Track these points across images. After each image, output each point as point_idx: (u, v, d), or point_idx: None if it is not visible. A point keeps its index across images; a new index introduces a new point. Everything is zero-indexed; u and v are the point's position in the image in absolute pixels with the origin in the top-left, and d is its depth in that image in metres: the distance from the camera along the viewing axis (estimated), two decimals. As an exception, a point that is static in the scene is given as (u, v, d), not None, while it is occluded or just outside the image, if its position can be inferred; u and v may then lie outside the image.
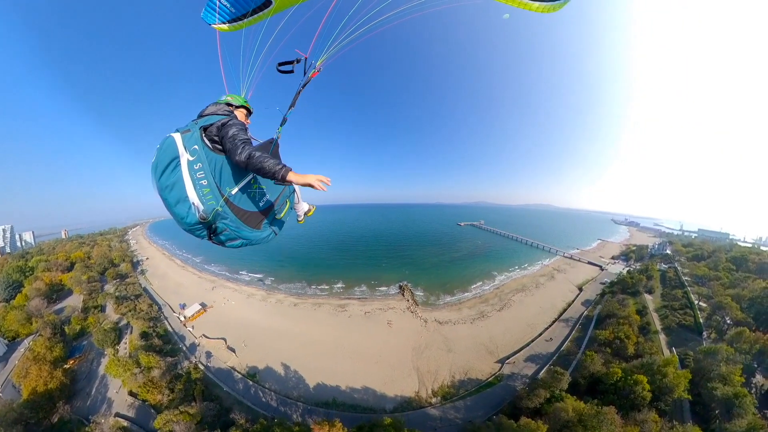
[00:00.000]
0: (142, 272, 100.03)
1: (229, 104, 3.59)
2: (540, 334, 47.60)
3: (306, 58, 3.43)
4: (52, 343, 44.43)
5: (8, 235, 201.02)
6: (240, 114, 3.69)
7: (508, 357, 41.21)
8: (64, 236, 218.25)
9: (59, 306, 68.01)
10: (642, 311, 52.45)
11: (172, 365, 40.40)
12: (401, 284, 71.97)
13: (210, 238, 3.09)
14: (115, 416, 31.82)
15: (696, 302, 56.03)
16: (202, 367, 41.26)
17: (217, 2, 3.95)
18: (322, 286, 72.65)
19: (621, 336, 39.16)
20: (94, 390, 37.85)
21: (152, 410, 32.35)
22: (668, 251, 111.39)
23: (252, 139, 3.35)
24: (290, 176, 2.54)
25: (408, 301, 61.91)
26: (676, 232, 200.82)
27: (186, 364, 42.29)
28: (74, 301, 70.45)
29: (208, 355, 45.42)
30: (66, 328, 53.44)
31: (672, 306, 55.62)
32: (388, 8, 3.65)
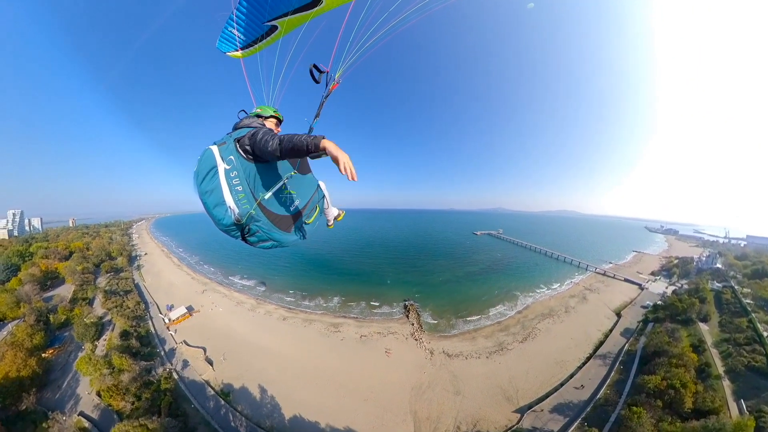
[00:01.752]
0: (138, 268, 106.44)
1: (258, 116, 4.26)
2: (571, 376, 42.98)
3: (328, 72, 4.01)
4: (34, 330, 48.11)
5: (17, 219, 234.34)
6: (270, 124, 4.31)
7: (530, 406, 37.28)
8: (71, 224, 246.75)
9: (50, 294, 73.43)
10: (698, 347, 46.47)
11: (145, 370, 41.20)
12: (407, 303, 69.31)
13: (243, 239, 3.59)
14: (78, 414, 33.29)
15: (766, 335, 49.03)
16: (176, 377, 41.56)
17: (230, 33, 4.76)
18: (317, 300, 71.97)
19: (675, 384, 34.04)
20: (65, 384, 40.09)
21: (116, 415, 33.02)
22: (719, 265, 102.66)
23: None
24: (324, 142, 2.81)
25: (413, 325, 59.24)
26: (721, 240, 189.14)
27: (160, 370, 42.87)
28: (66, 291, 75.79)
29: (185, 363, 45.76)
30: (51, 317, 57.33)
31: (735, 340, 48.76)
32: (395, 14, 4.16)
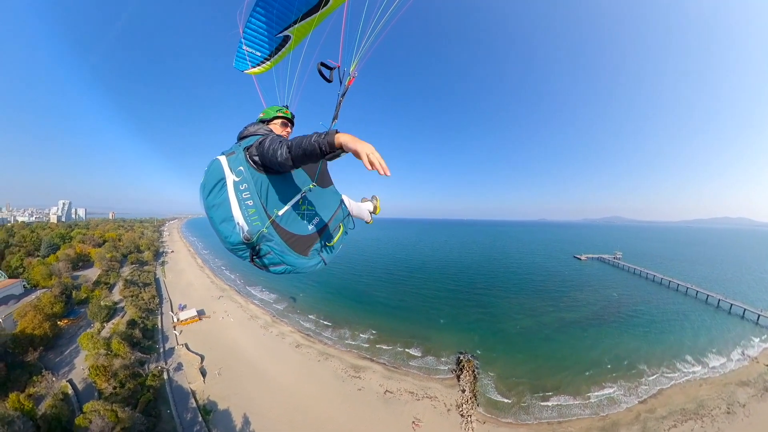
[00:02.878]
0: (162, 264, 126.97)
1: (263, 121, 4.82)
2: None
3: (339, 67, 4.42)
4: (56, 300, 61.93)
5: (65, 208, 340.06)
6: (275, 127, 4.83)
7: None
8: (111, 217, 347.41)
9: (79, 273, 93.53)
10: None
11: (138, 362, 47.07)
12: (462, 357, 62.56)
13: (252, 261, 3.92)
14: (67, 381, 42.55)
15: None
16: (165, 377, 46.21)
17: (245, 51, 5.74)
18: (342, 332, 71.64)
19: None
20: (67, 352, 51.84)
21: (96, 393, 39.22)
22: None
23: None
24: (339, 138, 2.82)
25: (463, 392, 53.13)
26: None
27: (153, 366, 48.27)
28: (92, 274, 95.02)
29: (179, 367, 50.42)
30: (74, 293, 72.73)
31: None
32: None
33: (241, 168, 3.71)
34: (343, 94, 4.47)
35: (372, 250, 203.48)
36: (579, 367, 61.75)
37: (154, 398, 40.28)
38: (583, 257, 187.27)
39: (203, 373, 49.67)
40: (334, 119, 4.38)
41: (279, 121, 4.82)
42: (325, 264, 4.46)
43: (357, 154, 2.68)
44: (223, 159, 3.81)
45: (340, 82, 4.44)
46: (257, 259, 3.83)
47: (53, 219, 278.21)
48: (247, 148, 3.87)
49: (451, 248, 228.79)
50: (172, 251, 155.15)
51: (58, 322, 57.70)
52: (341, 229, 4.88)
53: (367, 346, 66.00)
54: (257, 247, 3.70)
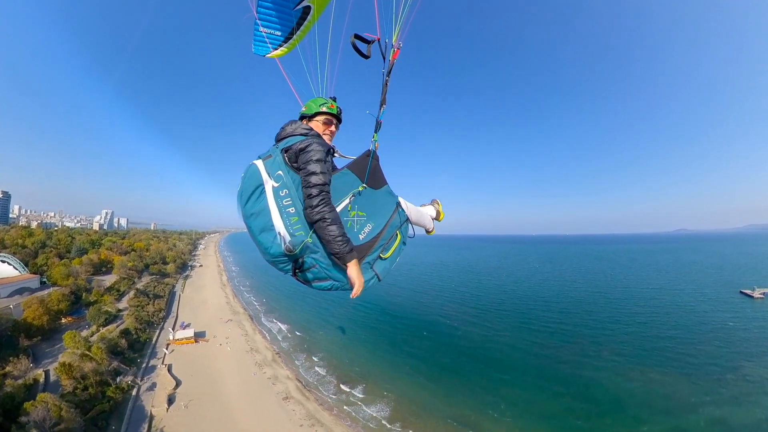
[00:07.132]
0: (186, 277, 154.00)
1: (303, 117, 5.51)
2: None
3: (378, 40, 4.80)
4: (64, 298, 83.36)
5: (108, 217, 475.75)
6: (318, 125, 5.38)
7: None
8: (152, 227, 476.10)
9: (97, 278, 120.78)
10: None
11: (114, 371, 59.82)
12: None
13: (295, 275, 4.63)
14: (44, 370, 58.64)
15: None
16: (133, 394, 57.47)
17: (262, 33, 6.58)
18: (352, 394, 68.86)
19: None
20: (58, 345, 68.73)
21: (61, 388, 52.04)
22: None
23: (340, 156, 5.48)
24: (351, 266, 4.11)
25: None
26: None
27: (125, 379, 60.40)
28: (110, 280, 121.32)
29: (152, 386, 61.67)
30: (84, 295, 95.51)
31: None
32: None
33: (280, 172, 4.39)
34: (389, 72, 4.93)
35: (430, 280, 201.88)
36: None
37: (110, 410, 50.81)
38: (756, 293, 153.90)
39: (171, 401, 59.12)
40: (382, 105, 4.92)
41: (322, 117, 5.35)
42: (380, 279, 5.05)
43: (352, 283, 4.08)
44: (259, 163, 4.53)
45: (383, 58, 4.79)
46: (300, 273, 4.49)
47: (96, 226, 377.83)
48: (285, 150, 4.54)
49: (543, 280, 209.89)
50: (201, 265, 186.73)
51: (62, 318, 79.44)
52: (398, 238, 5.43)
53: (373, 421, 60.54)
54: (300, 260, 4.34)
